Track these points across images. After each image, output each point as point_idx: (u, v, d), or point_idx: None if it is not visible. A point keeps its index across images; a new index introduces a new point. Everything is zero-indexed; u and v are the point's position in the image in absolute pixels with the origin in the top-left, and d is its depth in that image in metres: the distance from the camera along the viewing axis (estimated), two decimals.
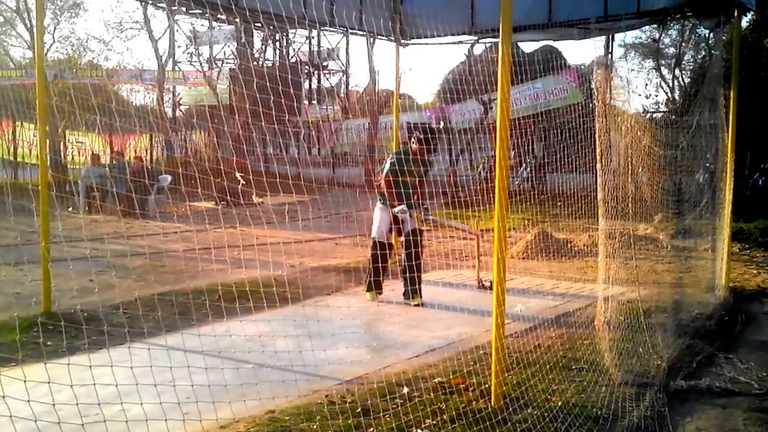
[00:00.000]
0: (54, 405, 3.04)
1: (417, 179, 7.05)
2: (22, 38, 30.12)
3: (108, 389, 3.39)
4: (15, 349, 5.01)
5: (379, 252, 6.93)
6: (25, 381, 2.91)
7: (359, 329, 6.03)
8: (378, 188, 7.23)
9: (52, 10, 30.06)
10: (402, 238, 7.07)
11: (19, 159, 22.13)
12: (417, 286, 7.05)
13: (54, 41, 30.89)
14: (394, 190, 6.72)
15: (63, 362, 3.53)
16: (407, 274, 6.94)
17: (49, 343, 5.30)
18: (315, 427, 3.85)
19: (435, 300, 7.19)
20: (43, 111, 6.39)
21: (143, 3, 23.74)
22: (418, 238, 7.04)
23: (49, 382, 2.99)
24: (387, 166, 6.99)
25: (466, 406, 4.16)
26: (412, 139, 7.09)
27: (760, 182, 16.72)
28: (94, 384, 3.17)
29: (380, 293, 7.29)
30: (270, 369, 4.77)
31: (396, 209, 6.88)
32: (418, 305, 6.99)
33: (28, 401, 2.88)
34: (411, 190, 6.96)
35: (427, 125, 7.28)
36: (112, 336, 5.07)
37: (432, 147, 7.09)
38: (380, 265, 7.05)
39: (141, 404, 3.31)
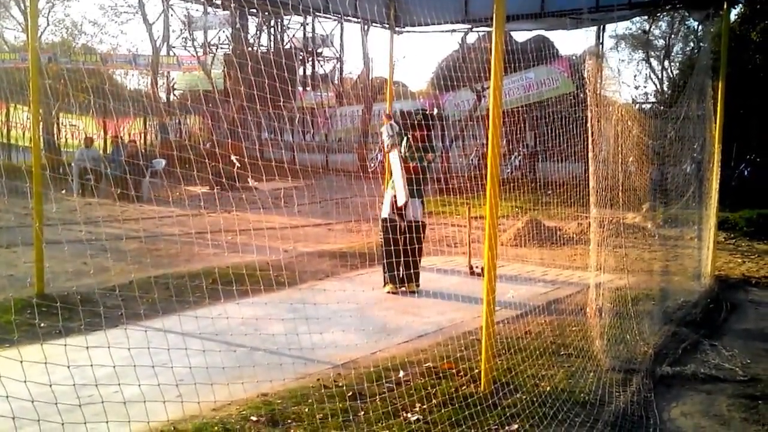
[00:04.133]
0: (51, 386, 3.06)
1: (427, 164, 7.15)
2: (16, 20, 29.95)
3: (103, 370, 3.39)
4: (9, 330, 5.03)
5: (383, 235, 7.00)
6: (21, 361, 2.92)
7: (352, 314, 6.06)
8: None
9: None
10: (404, 223, 7.01)
11: (12, 141, 22.01)
12: (414, 271, 7.03)
13: (48, 24, 30.73)
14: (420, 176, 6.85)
15: (58, 343, 3.54)
16: (407, 258, 6.93)
17: (42, 324, 5.31)
18: (307, 410, 3.89)
19: (427, 286, 7.24)
20: (36, 89, 6.35)
21: None
22: (420, 225, 7.07)
23: (45, 363, 3.00)
24: (402, 154, 6.89)
25: (456, 390, 4.22)
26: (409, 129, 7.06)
27: (746, 173, 16.82)
28: (91, 365, 3.17)
29: (396, 287, 7.07)
30: (264, 352, 4.81)
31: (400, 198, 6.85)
32: (413, 292, 7.02)
33: (25, 381, 2.87)
34: (421, 177, 6.98)
35: (420, 111, 7.19)
36: (107, 318, 5.11)
37: (429, 132, 7.05)
38: (393, 248, 6.78)
39: (139, 385, 3.35)
